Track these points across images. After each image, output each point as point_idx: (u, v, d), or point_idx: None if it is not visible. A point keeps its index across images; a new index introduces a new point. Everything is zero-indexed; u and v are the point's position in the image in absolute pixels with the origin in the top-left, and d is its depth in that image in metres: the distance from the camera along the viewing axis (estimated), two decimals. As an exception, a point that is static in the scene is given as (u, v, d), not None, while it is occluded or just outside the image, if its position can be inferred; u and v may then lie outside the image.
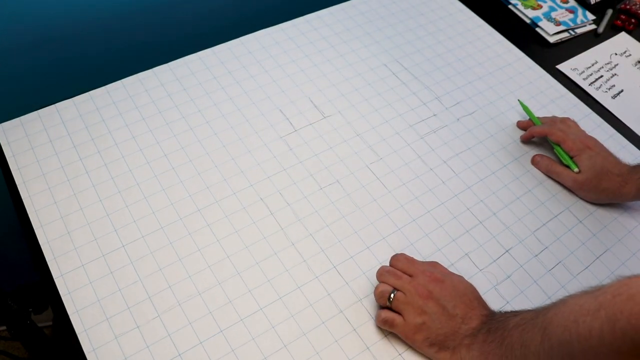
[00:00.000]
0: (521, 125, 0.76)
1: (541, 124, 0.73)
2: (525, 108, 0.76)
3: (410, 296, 0.53)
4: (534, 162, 0.72)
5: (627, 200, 0.68)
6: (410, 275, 0.55)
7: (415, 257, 0.61)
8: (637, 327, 0.37)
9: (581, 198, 0.69)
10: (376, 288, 0.56)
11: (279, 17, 0.84)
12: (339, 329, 0.56)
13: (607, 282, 0.61)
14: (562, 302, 0.45)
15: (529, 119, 0.75)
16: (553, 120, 0.73)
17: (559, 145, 0.69)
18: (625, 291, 0.39)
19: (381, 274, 0.56)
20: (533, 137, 0.73)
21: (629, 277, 0.40)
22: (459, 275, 0.56)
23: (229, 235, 0.61)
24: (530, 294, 0.60)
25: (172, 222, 0.61)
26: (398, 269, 0.56)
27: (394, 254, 0.59)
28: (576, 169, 0.67)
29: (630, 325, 0.37)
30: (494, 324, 0.51)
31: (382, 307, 0.56)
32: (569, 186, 0.69)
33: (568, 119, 0.73)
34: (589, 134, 0.71)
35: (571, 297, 0.44)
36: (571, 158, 0.68)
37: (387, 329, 0.55)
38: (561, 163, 0.70)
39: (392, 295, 0.54)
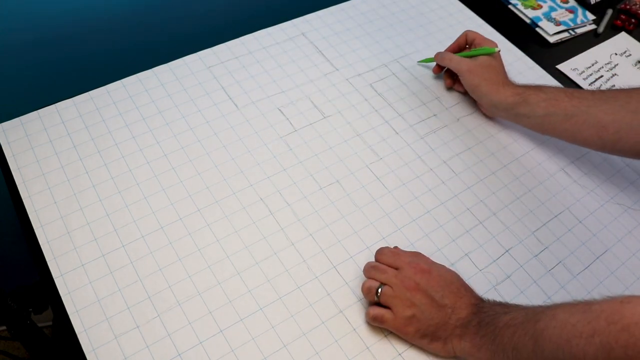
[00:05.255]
0: (436, 69, 0.80)
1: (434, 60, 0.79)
2: (426, 60, 0.81)
3: (398, 289, 0.53)
4: (435, 56, 0.78)
5: (498, 99, 0.70)
6: (396, 268, 0.55)
7: (415, 257, 0.61)
8: (633, 358, 0.39)
9: (464, 85, 0.74)
10: (363, 284, 0.56)
11: (279, 17, 0.84)
12: (339, 329, 0.56)
13: (608, 282, 0.62)
14: (551, 314, 0.45)
15: (437, 65, 0.80)
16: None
17: (473, 45, 0.76)
18: (619, 320, 0.40)
19: (367, 270, 0.57)
20: (450, 52, 0.77)
21: (620, 301, 0.41)
22: (443, 265, 0.57)
23: (229, 235, 0.61)
24: (530, 294, 0.60)
25: (172, 222, 0.61)
26: (383, 263, 0.56)
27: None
28: (497, 49, 0.73)
29: (626, 356, 0.39)
30: (484, 317, 0.51)
31: (371, 303, 0.56)
32: (462, 69, 0.73)
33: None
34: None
35: (561, 309, 0.45)
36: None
37: (377, 325, 0.55)
38: None
39: (379, 290, 0.54)
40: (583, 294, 0.61)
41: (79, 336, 0.53)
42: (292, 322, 0.56)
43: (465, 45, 0.78)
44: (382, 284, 0.54)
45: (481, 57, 0.73)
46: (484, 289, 0.60)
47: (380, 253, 0.58)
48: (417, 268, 0.54)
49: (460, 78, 0.74)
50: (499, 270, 0.62)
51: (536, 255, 0.64)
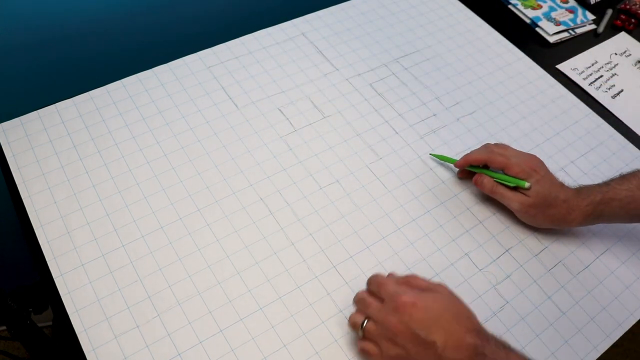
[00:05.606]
0: (459, 165, 0.67)
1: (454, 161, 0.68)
2: (440, 157, 0.70)
3: (380, 326, 0.49)
4: (476, 182, 0.65)
5: (571, 227, 0.64)
6: (382, 300, 0.50)
7: (415, 257, 0.61)
8: None
9: (524, 222, 0.65)
10: (349, 317, 0.53)
11: (279, 17, 0.84)
12: (338, 328, 0.56)
13: (608, 282, 0.62)
14: None
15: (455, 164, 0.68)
16: (487, 146, 0.66)
17: (503, 171, 0.63)
18: None
19: (355, 301, 0.54)
20: (468, 164, 0.66)
21: None
22: (438, 290, 0.51)
23: (228, 235, 0.61)
24: (530, 294, 0.60)
25: (172, 222, 0.61)
26: (371, 291, 0.53)
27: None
28: (527, 184, 0.60)
29: None
30: None
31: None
32: (515, 209, 0.63)
33: (501, 144, 0.66)
34: (528, 152, 0.65)
35: None
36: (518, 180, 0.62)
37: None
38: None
39: (363, 325, 0.51)
40: (583, 294, 0.61)
41: (79, 336, 0.53)
42: (292, 322, 0.56)
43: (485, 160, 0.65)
44: (367, 319, 0.51)
45: (532, 187, 0.61)
46: (484, 289, 0.60)
47: (368, 282, 0.54)
48: (399, 302, 0.48)
49: (519, 216, 0.64)
50: (499, 270, 0.62)
51: (536, 255, 0.64)
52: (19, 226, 0.60)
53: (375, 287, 0.52)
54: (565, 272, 0.63)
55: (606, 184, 0.62)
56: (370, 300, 0.51)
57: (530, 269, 0.62)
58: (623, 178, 0.62)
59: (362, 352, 0.52)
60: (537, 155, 0.65)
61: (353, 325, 0.53)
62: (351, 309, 0.57)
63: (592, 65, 0.87)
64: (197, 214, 0.62)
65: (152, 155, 0.66)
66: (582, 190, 0.62)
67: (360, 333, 0.51)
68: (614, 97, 0.83)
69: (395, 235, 0.63)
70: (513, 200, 0.62)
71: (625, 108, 0.82)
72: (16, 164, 0.64)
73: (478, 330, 0.47)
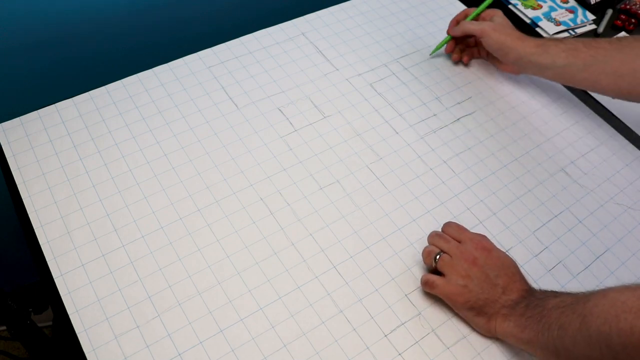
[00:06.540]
0: (449, 48, 0.82)
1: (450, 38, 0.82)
2: (437, 48, 0.83)
3: (456, 259, 0.56)
4: (452, 32, 0.80)
5: (524, 54, 0.72)
6: (459, 241, 0.57)
7: (415, 257, 0.61)
8: None
9: (488, 46, 0.75)
10: (424, 249, 0.59)
11: (279, 17, 0.84)
12: (339, 328, 0.56)
13: (608, 282, 0.62)
14: (602, 294, 0.46)
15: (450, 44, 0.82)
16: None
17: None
18: None
19: (432, 237, 0.60)
20: (465, 18, 0.79)
21: None
22: (504, 251, 0.58)
23: (229, 235, 0.61)
24: (530, 294, 0.60)
25: (172, 222, 0.61)
26: (448, 235, 0.59)
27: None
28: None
29: None
30: (533, 300, 0.52)
31: (428, 270, 0.59)
32: (485, 30, 0.74)
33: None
34: None
35: (611, 290, 0.46)
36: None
37: (427, 290, 0.57)
38: None
39: (437, 256, 0.57)
40: (583, 294, 0.61)
41: (79, 336, 0.53)
42: (292, 322, 0.56)
43: (464, 18, 0.80)
44: (442, 252, 0.57)
45: (496, 18, 0.75)
46: (484, 288, 0.60)
47: (447, 225, 0.60)
48: (479, 244, 0.57)
49: (484, 39, 0.75)
50: (499, 270, 0.62)
51: (536, 255, 0.64)
52: (19, 226, 0.60)
53: (455, 231, 0.59)
54: (565, 272, 0.63)
55: None
56: (449, 237, 0.58)
57: (530, 269, 0.62)
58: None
59: (426, 283, 0.57)
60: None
61: (427, 254, 0.58)
62: (350, 308, 0.57)
63: (592, 65, 0.87)
64: (197, 214, 0.62)
65: (152, 155, 0.66)
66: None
67: (433, 263, 0.57)
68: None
69: (395, 235, 0.63)
70: (483, 24, 0.75)
71: (625, 108, 0.81)
72: (16, 164, 0.64)
73: (530, 285, 0.56)
